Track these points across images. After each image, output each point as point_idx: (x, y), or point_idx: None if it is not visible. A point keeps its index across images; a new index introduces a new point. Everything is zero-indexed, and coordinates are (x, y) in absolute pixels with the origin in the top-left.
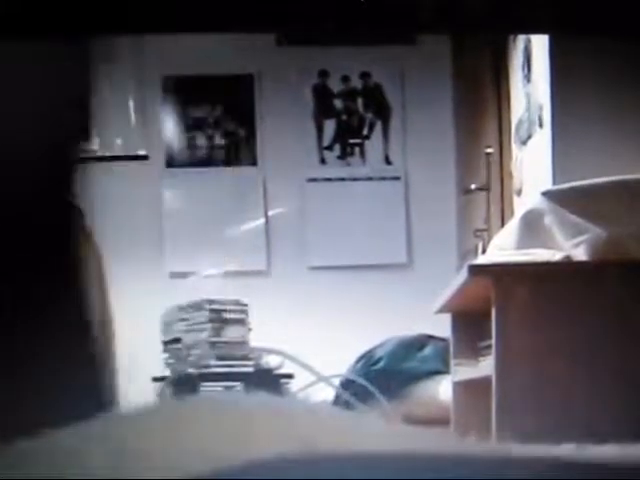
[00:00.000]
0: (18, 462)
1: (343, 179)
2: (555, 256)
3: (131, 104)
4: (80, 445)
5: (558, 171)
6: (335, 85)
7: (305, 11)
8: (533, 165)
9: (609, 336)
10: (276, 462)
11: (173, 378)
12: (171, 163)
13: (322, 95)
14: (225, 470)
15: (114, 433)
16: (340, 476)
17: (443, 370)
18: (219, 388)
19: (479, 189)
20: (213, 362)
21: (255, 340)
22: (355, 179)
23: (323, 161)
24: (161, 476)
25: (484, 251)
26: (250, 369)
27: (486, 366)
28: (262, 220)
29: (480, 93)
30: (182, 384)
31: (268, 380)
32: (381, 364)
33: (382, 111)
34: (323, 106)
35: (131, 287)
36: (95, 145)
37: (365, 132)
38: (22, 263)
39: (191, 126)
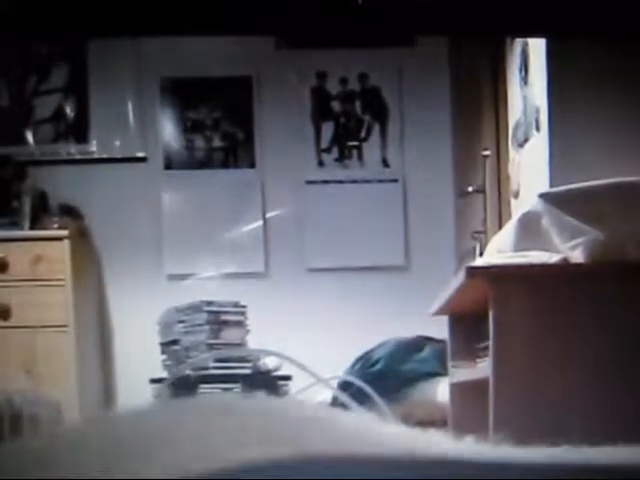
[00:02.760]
0: (16, 462)
1: (341, 181)
2: (552, 258)
3: (129, 106)
4: (79, 445)
5: (555, 173)
6: (333, 87)
7: (303, 14)
8: (530, 167)
9: (606, 338)
10: (273, 463)
11: (171, 380)
12: (169, 165)
13: (320, 97)
14: (223, 471)
15: (113, 434)
16: (338, 477)
17: (441, 372)
18: (217, 390)
19: (476, 191)
20: (211, 364)
21: (253, 342)
22: (353, 181)
23: (321, 163)
24: (160, 476)
25: (481, 253)
26: (248, 371)
27: (483, 368)
28: (260, 222)
29: (478, 95)
30: (180, 386)
31: (266, 382)
32: (379, 366)
33: (380, 113)
34: (321, 108)
35: (130, 289)
36: (93, 147)
37: (363, 134)
38: None
39: (189, 128)
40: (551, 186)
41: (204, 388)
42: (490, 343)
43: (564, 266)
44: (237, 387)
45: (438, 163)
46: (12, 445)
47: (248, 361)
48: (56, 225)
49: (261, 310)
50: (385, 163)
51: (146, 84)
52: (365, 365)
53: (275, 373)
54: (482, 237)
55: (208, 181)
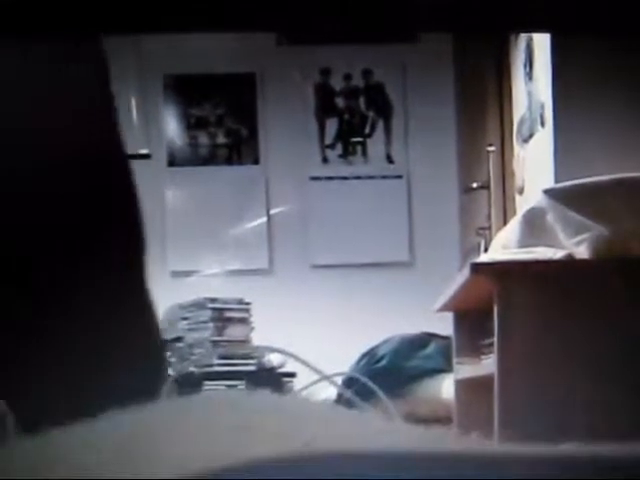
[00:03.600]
0: (14, 463)
1: (345, 178)
2: (557, 254)
3: (133, 103)
4: (78, 444)
5: (560, 169)
6: (337, 83)
7: (305, 10)
8: (535, 163)
9: (611, 334)
10: (278, 461)
11: (175, 377)
12: (173, 162)
13: (324, 94)
14: (226, 470)
15: (113, 432)
16: (342, 476)
17: (445, 368)
18: (222, 387)
19: (481, 187)
20: (215, 361)
21: (257, 339)
22: (357, 177)
23: (325, 160)
24: (161, 476)
25: (486, 249)
26: (252, 368)
27: (488, 364)
28: (264, 219)
29: (482, 91)
30: (184, 383)
31: (270, 379)
32: (384, 362)
33: (384, 109)
34: (325, 104)
35: None
36: None
37: (367, 130)
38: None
39: (193, 125)
40: (556, 182)
41: (208, 385)
42: (495, 339)
43: (569, 262)
44: (241, 384)
45: (442, 159)
46: (14, 444)
47: (252, 358)
48: None
49: (265, 307)
50: (389, 159)
51: (149, 81)
52: (370, 362)
53: (279, 370)
54: (487, 233)
55: (212, 178)
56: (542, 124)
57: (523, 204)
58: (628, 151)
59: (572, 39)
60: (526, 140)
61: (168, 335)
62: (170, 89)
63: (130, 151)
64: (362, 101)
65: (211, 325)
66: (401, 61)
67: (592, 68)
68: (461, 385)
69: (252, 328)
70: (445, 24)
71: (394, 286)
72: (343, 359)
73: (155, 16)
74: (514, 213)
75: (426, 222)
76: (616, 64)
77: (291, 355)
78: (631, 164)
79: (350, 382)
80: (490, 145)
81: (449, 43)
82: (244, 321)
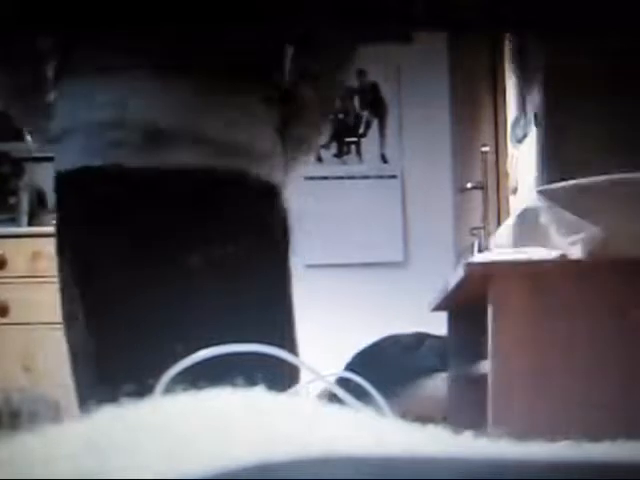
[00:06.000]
0: (13, 461)
1: (340, 177)
2: (551, 254)
3: None
4: (71, 443)
5: (553, 170)
6: None
7: (301, 11)
8: (528, 164)
9: (605, 334)
10: (274, 461)
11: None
12: None
13: None
14: (224, 469)
15: (107, 430)
16: (337, 476)
17: (439, 367)
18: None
19: (475, 187)
20: None
21: None
22: (352, 177)
23: (320, 159)
24: (157, 476)
25: (480, 249)
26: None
27: (482, 363)
28: None
29: (476, 91)
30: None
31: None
32: (378, 362)
33: (378, 109)
34: None
35: None
36: None
37: (361, 130)
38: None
39: None
40: (549, 182)
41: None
42: (489, 339)
43: (563, 262)
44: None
45: (437, 159)
46: (8, 443)
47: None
48: (54, 221)
49: None
50: (384, 159)
51: None
52: (364, 361)
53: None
54: (481, 233)
55: None
56: (535, 125)
57: (517, 204)
58: (622, 151)
59: (565, 40)
60: (520, 141)
61: None
62: None
63: None
64: (356, 101)
65: None
66: (395, 61)
67: (585, 68)
68: (455, 384)
69: None
70: (439, 24)
71: (388, 286)
72: (337, 359)
73: (152, 16)
74: (508, 213)
75: (420, 222)
76: (608, 65)
77: (285, 354)
78: (625, 164)
79: (344, 382)
80: (484, 145)
81: (443, 43)
82: None
